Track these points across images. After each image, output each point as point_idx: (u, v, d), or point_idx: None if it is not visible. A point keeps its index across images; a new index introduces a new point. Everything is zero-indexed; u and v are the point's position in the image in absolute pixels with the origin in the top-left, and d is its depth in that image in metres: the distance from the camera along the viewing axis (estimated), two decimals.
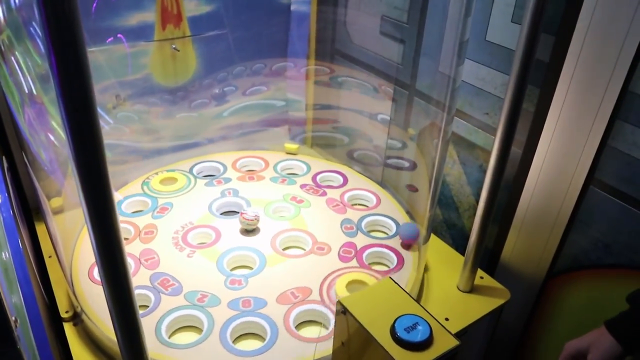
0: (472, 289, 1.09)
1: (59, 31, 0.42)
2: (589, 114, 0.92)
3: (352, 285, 1.01)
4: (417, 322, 0.75)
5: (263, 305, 0.96)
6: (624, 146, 0.91)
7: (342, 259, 1.08)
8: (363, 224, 1.19)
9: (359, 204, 1.29)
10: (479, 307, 1.06)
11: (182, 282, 1.00)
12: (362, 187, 1.32)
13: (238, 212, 1.17)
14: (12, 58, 0.96)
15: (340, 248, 1.11)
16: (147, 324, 0.90)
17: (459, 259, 1.17)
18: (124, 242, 0.54)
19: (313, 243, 1.12)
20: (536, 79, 0.98)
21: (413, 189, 1.29)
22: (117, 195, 0.98)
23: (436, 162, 0.97)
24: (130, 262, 1.03)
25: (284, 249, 1.12)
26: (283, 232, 1.15)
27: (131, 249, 1.07)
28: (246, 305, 0.96)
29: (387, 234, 1.19)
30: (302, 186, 1.31)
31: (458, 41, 0.90)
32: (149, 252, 1.07)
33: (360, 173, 1.39)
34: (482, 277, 1.13)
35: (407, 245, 1.13)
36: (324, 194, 1.29)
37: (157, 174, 1.34)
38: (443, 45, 1.11)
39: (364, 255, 1.10)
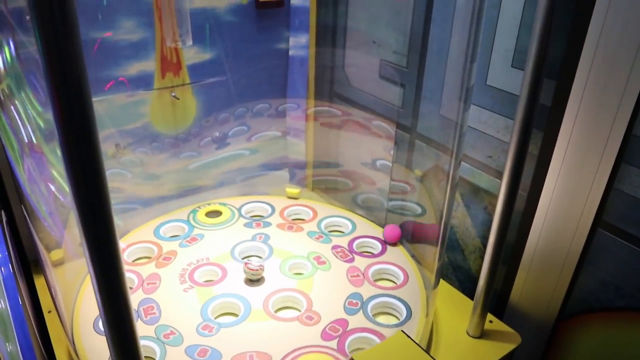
0: (482, 334, 1.07)
1: (65, 82, 0.41)
2: (594, 157, 0.92)
3: None
4: None
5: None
6: (630, 189, 0.91)
7: (325, 335, 1.00)
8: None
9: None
10: (490, 353, 1.03)
11: (162, 313, 1.00)
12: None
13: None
14: (12, 107, 0.96)
15: (327, 325, 1.03)
16: None
17: (466, 302, 1.16)
18: (129, 291, 0.52)
19: (307, 309, 1.06)
20: (539, 122, 0.99)
21: (418, 229, 1.28)
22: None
23: (445, 207, 0.96)
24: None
25: (275, 311, 1.07)
26: (282, 291, 1.11)
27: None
28: (201, 354, 0.93)
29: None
30: (335, 247, 1.26)
31: (465, 87, 0.90)
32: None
33: (364, 217, 1.38)
34: (491, 321, 1.11)
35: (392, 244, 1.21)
36: (352, 260, 1.22)
37: (199, 207, 1.39)
38: (444, 89, 1.12)
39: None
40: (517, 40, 0.99)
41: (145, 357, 0.88)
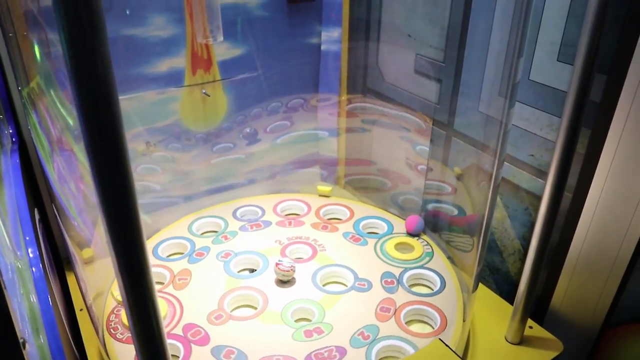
0: (522, 340, 1.03)
1: (90, 82, 0.39)
2: None
3: None
4: None
5: None
6: None
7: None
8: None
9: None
10: None
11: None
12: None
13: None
14: (42, 106, 0.95)
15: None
16: None
17: (505, 306, 1.11)
18: (157, 297, 0.50)
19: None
20: (587, 119, 0.93)
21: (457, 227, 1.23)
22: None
23: (487, 209, 0.92)
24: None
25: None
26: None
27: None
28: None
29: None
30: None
31: (510, 83, 0.86)
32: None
33: (397, 216, 1.34)
34: (531, 327, 1.06)
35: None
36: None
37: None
38: (483, 84, 1.07)
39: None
40: (564, 32, 0.93)
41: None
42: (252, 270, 1.15)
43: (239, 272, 1.15)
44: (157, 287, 1.11)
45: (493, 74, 1.04)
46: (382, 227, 1.30)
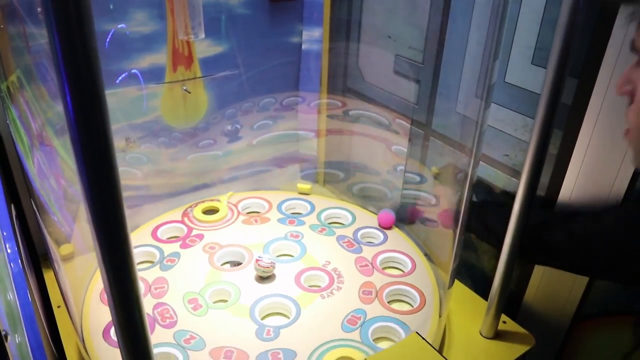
0: (496, 335, 1.06)
1: (77, 73, 0.39)
2: (616, 158, 0.90)
3: None
4: None
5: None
6: None
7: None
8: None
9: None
10: (504, 354, 1.02)
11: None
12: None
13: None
14: (22, 100, 0.95)
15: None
16: None
17: (480, 302, 1.14)
18: (141, 293, 0.51)
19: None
20: (559, 121, 0.96)
21: (431, 226, 1.26)
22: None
23: (463, 206, 0.94)
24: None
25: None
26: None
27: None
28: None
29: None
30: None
31: (486, 85, 0.88)
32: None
33: (373, 212, 1.36)
34: (504, 322, 1.09)
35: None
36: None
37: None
38: (461, 86, 1.10)
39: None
40: (539, 37, 0.96)
41: None
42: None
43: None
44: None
45: (470, 76, 1.07)
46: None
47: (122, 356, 0.53)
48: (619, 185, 0.91)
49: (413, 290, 1.09)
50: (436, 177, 1.23)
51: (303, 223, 1.31)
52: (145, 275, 1.09)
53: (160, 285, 1.07)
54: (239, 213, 1.35)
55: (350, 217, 1.34)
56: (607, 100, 0.89)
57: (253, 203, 1.40)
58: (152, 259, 1.17)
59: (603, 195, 0.94)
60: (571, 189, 0.99)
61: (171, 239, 1.24)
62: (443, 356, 0.77)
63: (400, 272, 1.17)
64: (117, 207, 0.45)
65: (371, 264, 1.16)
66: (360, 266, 1.15)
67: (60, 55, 0.39)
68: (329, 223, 1.33)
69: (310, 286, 1.10)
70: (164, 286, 1.07)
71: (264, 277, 1.10)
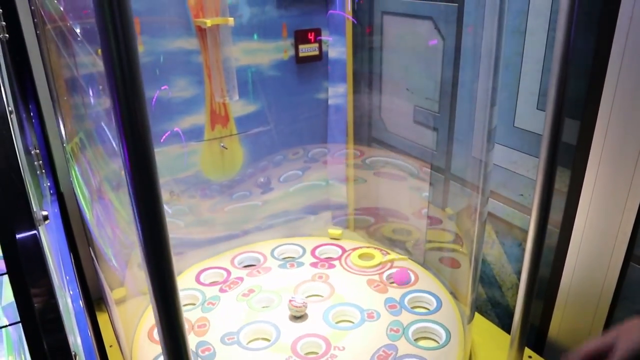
0: None
1: (132, 132, 0.47)
2: (621, 193, 0.96)
3: None
4: None
5: None
6: None
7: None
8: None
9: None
10: None
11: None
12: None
13: None
14: (84, 159, 1.08)
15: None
16: None
17: (505, 337, 1.18)
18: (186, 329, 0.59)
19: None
20: (566, 161, 1.03)
21: (456, 265, 1.31)
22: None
23: (474, 241, 1.01)
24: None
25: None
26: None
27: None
28: None
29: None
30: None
31: (487, 129, 0.96)
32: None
33: (402, 255, 1.43)
34: (530, 357, 1.12)
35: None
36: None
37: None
38: (474, 132, 1.18)
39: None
40: (541, 84, 1.05)
41: None
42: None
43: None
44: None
45: (482, 122, 1.15)
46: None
47: None
48: (628, 216, 0.96)
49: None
50: (454, 218, 1.29)
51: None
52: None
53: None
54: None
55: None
56: (608, 139, 0.95)
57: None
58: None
59: (612, 231, 0.99)
60: (583, 225, 1.04)
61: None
62: None
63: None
64: (165, 253, 0.54)
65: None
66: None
67: (119, 117, 0.48)
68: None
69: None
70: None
71: (297, 317, 1.17)
